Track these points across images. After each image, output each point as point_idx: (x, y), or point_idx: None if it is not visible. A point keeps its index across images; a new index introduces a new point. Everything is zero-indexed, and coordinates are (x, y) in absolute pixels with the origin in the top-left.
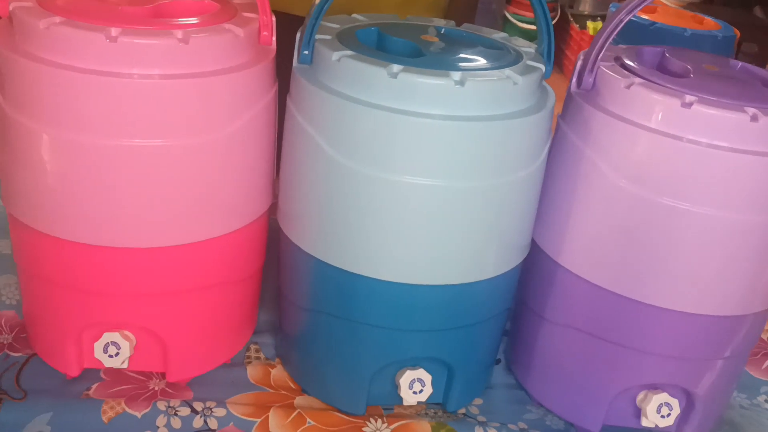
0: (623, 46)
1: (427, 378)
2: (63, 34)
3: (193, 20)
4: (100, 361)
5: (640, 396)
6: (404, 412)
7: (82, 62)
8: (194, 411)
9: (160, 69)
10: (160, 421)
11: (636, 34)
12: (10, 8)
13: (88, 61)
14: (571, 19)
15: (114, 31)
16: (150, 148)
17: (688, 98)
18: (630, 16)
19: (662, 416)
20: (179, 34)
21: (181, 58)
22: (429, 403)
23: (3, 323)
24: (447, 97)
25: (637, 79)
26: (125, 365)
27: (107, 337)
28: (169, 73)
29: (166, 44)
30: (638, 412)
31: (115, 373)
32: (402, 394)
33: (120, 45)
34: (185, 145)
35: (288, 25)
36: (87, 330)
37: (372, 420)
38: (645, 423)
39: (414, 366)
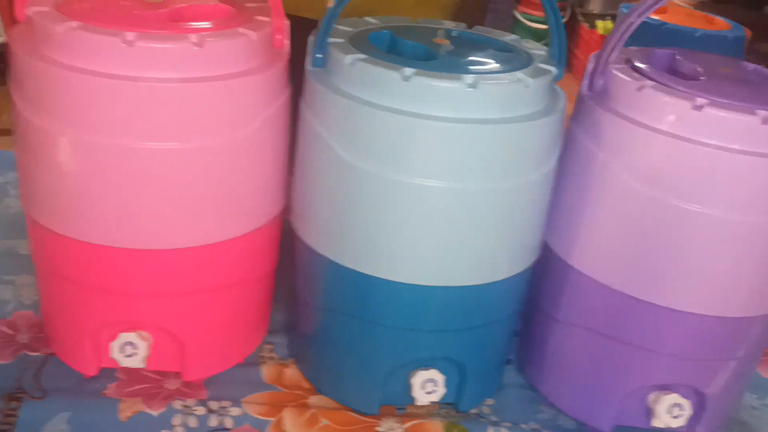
0: (634, 48)
1: (440, 378)
2: (80, 38)
3: (208, 24)
4: (116, 361)
5: (652, 396)
6: (417, 412)
7: (98, 66)
8: (210, 410)
9: (176, 72)
10: (176, 420)
11: (646, 35)
12: (29, 13)
13: (105, 65)
14: (581, 18)
15: (130, 36)
16: (165, 151)
17: (699, 101)
18: (641, 19)
19: (674, 417)
20: (194, 38)
21: (196, 61)
22: (441, 402)
23: (21, 323)
24: (459, 100)
25: (648, 82)
26: (142, 365)
27: (124, 337)
28: (184, 76)
29: (181, 48)
30: (650, 413)
31: (132, 373)
32: (415, 394)
33: (136, 49)
34: (200, 147)
35: (301, 29)
36: (104, 330)
37: (385, 419)
38: (656, 423)
39: (427, 366)
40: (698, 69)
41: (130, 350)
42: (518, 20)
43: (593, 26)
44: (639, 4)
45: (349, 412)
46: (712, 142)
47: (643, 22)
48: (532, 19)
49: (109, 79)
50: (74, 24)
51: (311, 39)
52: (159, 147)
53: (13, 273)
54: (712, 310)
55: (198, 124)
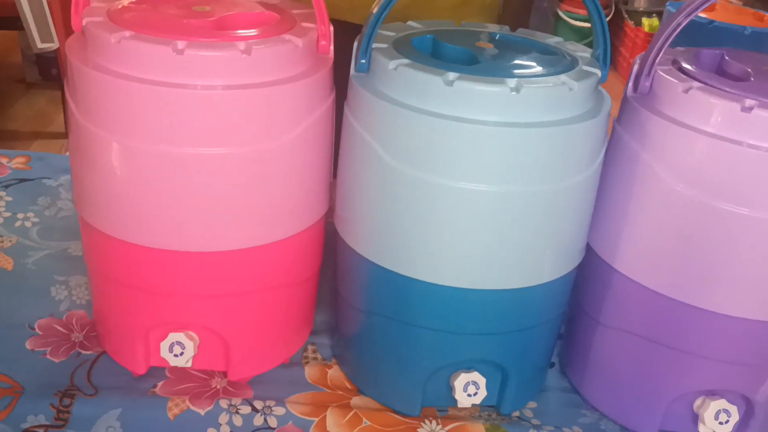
0: (681, 49)
1: (482, 381)
2: (132, 47)
3: (254, 32)
4: (165, 360)
5: (698, 402)
6: (459, 414)
7: (150, 74)
8: (255, 409)
9: (224, 80)
10: (223, 418)
11: (693, 33)
12: (83, 23)
13: (156, 73)
14: (626, 16)
15: (180, 44)
16: (213, 156)
17: (749, 102)
18: (689, 20)
19: (720, 423)
20: (241, 45)
21: (243, 68)
22: (483, 405)
23: (74, 322)
24: (502, 104)
25: (696, 83)
26: (189, 364)
27: (173, 337)
28: (231, 83)
29: (229, 56)
30: (696, 418)
31: (180, 372)
32: (456, 396)
33: (186, 57)
34: (247, 153)
35: (345, 34)
36: (153, 330)
37: (427, 421)
38: (703, 429)
39: (468, 368)
40: (748, 69)
41: (179, 350)
42: (562, 18)
43: (638, 24)
44: (687, 3)
45: (391, 413)
46: (762, 144)
47: (691, 21)
48: (575, 17)
49: (160, 86)
50: (127, 33)
51: (355, 44)
52: (207, 152)
53: (67, 274)
54: (761, 315)
55: (245, 130)
